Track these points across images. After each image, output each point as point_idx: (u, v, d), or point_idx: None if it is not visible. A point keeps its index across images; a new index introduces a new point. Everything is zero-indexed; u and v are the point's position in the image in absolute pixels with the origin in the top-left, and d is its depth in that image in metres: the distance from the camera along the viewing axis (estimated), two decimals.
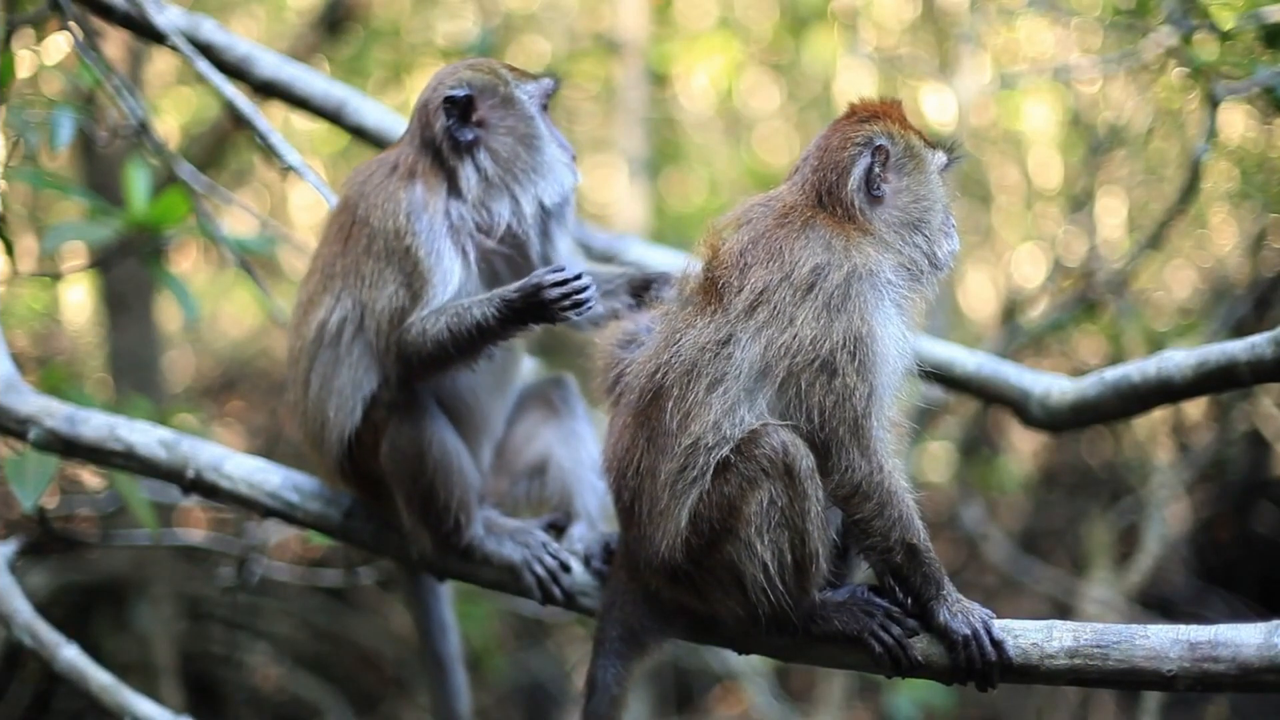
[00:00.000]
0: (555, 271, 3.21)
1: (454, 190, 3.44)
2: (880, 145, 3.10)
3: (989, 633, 2.95)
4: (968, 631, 2.95)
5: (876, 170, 3.09)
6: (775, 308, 2.94)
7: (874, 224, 3.08)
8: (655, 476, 3.00)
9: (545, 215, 3.52)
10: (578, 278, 3.19)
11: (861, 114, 3.18)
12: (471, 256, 3.44)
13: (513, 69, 3.55)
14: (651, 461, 3.01)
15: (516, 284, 3.28)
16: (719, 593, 3.02)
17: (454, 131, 3.44)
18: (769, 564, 2.94)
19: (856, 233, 3.04)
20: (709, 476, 2.95)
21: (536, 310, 3.23)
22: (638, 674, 3.33)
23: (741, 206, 3.18)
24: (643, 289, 3.59)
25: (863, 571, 3.18)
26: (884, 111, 3.19)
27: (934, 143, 3.23)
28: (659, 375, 3.01)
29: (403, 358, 3.35)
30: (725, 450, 2.94)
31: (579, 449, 3.71)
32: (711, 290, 3.02)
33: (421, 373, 3.38)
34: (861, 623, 3.01)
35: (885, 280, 3.03)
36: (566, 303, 3.19)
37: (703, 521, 2.97)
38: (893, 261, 3.07)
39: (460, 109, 3.44)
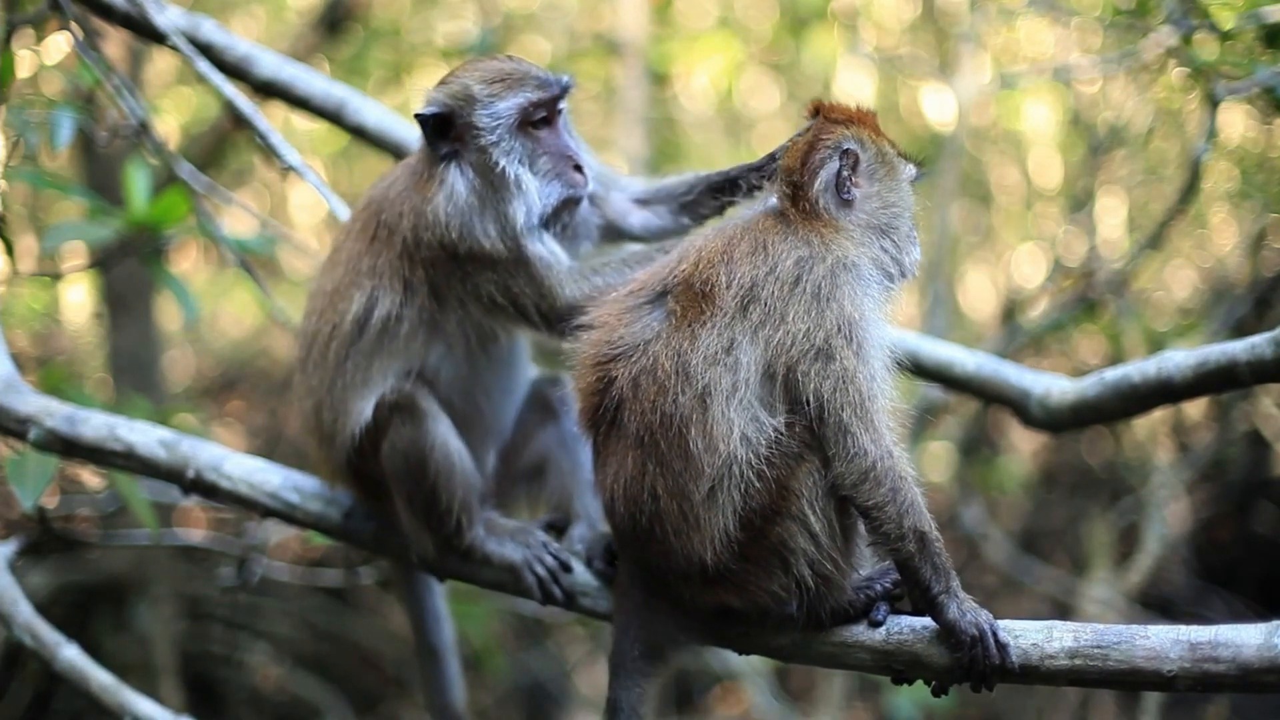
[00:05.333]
0: None
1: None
2: (849, 149, 3.14)
3: (995, 635, 2.93)
4: (975, 632, 2.92)
5: (846, 174, 3.12)
6: (766, 305, 2.95)
7: (843, 225, 3.11)
8: (683, 496, 2.95)
9: (544, 229, 3.49)
10: None
11: (835, 117, 3.21)
12: None
13: (495, 80, 3.47)
14: (671, 483, 2.96)
15: None
16: (763, 580, 2.99)
17: (432, 145, 3.48)
18: (820, 534, 2.93)
19: (829, 230, 3.07)
20: (752, 477, 2.93)
21: None
22: (654, 690, 3.31)
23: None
24: (724, 188, 3.56)
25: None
26: (857, 118, 3.22)
27: (904, 153, 3.27)
28: (670, 402, 2.96)
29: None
30: (761, 453, 2.93)
31: (577, 450, 3.69)
32: (702, 297, 3.00)
33: None
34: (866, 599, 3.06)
35: (867, 272, 3.07)
36: None
37: (753, 514, 2.94)
38: (868, 257, 3.10)
39: (434, 126, 3.46)
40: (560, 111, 3.54)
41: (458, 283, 3.46)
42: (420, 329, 3.52)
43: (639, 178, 3.78)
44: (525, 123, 3.47)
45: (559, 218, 3.51)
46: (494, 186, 3.44)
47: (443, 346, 3.55)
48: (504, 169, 3.43)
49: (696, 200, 3.62)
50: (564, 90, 3.51)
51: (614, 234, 3.68)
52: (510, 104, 3.45)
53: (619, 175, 3.79)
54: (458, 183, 3.45)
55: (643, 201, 3.69)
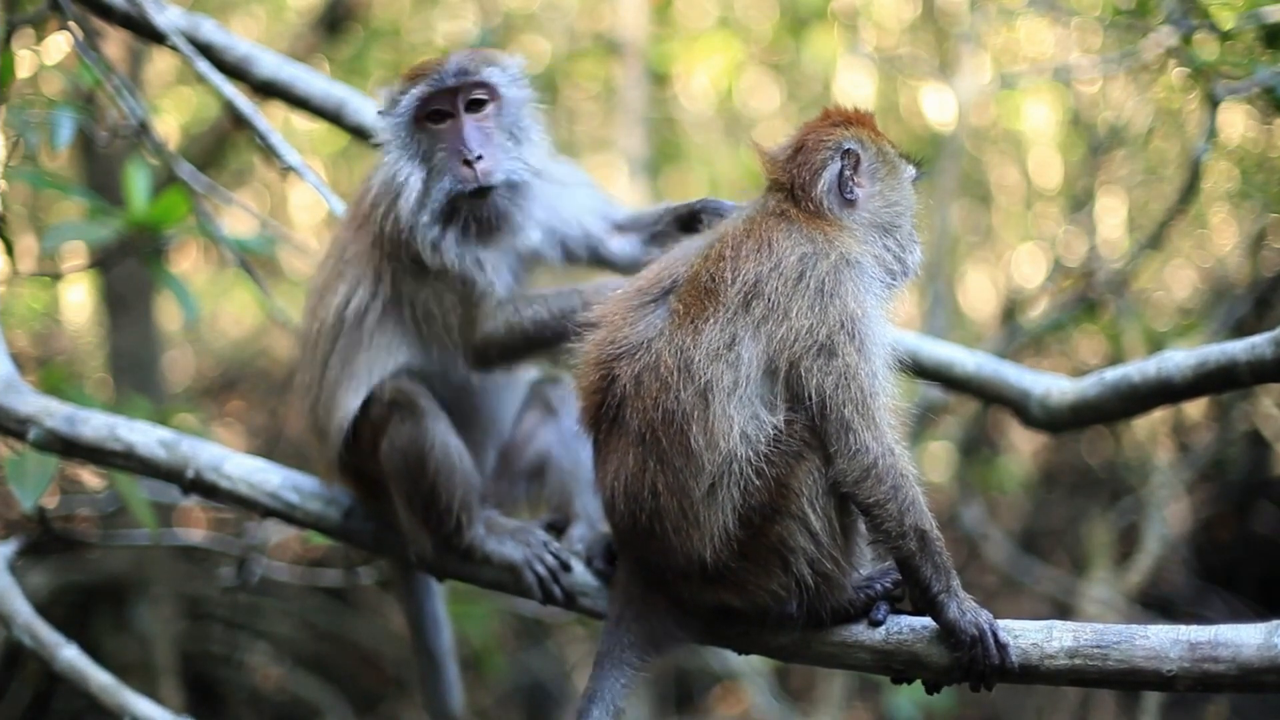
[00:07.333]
0: None
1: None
2: (850, 150, 3.16)
3: (994, 635, 2.93)
4: (975, 632, 2.92)
5: (848, 174, 3.14)
6: (769, 300, 2.96)
7: (846, 224, 3.13)
8: (683, 493, 2.95)
9: (445, 230, 3.45)
10: None
11: (835, 118, 3.24)
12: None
13: (411, 75, 3.45)
14: (672, 480, 2.96)
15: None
16: (763, 579, 2.99)
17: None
18: (820, 533, 2.94)
19: (832, 229, 3.09)
20: (751, 474, 2.93)
21: None
22: (638, 685, 3.30)
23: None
24: (690, 221, 3.57)
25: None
26: (857, 119, 3.24)
27: (904, 153, 3.29)
28: (672, 399, 2.96)
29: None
30: (760, 450, 2.93)
31: (578, 449, 3.69)
32: (706, 293, 3.01)
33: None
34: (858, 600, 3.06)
35: (870, 269, 3.08)
36: None
37: (752, 513, 2.95)
38: (871, 254, 3.11)
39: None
40: (483, 103, 3.45)
41: (410, 279, 3.48)
42: (391, 319, 3.54)
43: (623, 205, 3.80)
44: (421, 117, 3.43)
45: (456, 216, 3.44)
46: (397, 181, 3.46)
47: (420, 341, 3.56)
48: (390, 164, 3.46)
49: (664, 232, 3.63)
50: (460, 83, 3.42)
51: (595, 258, 3.69)
52: (407, 99, 3.44)
53: (608, 199, 3.78)
54: (383, 169, 3.50)
55: (621, 228, 3.70)
